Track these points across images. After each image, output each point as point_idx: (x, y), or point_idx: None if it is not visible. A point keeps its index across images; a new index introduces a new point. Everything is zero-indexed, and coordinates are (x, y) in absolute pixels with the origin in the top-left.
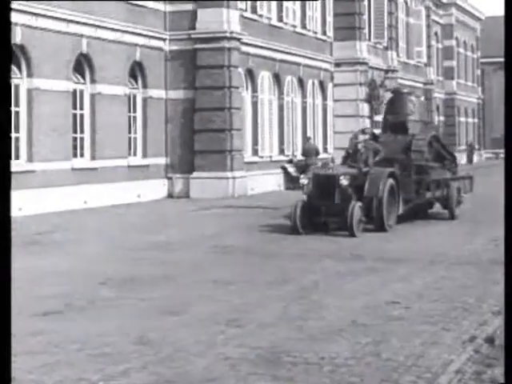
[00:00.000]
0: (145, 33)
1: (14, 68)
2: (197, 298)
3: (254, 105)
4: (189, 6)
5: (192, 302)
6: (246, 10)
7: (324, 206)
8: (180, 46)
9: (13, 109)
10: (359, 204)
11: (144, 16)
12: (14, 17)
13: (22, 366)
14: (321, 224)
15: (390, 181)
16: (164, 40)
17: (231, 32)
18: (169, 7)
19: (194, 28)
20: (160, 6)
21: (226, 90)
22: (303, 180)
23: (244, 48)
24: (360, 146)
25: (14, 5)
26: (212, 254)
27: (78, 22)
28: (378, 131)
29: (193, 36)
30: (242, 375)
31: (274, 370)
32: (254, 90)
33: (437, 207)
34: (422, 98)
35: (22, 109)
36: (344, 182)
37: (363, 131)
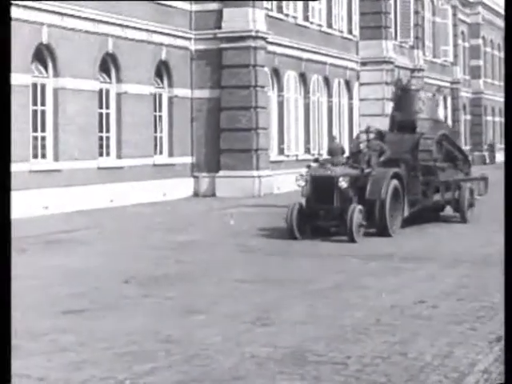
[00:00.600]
0: (171, 32)
1: (40, 68)
2: (222, 297)
3: (280, 104)
4: (215, 6)
5: (218, 301)
6: (271, 10)
7: (322, 209)
8: (206, 45)
9: (39, 108)
10: (359, 207)
11: (170, 15)
12: (41, 16)
13: (49, 365)
14: (319, 228)
15: (394, 182)
16: (190, 39)
17: (257, 31)
18: (195, 7)
19: (219, 27)
20: (186, 6)
21: (252, 90)
22: (300, 182)
23: (270, 47)
24: (362, 145)
25: (40, 5)
26: (237, 253)
27: (104, 22)
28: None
29: (218, 35)
30: (269, 374)
31: (301, 369)
32: (280, 89)
33: (448, 209)
34: (431, 95)
35: (49, 108)
36: (343, 183)
37: (367, 130)
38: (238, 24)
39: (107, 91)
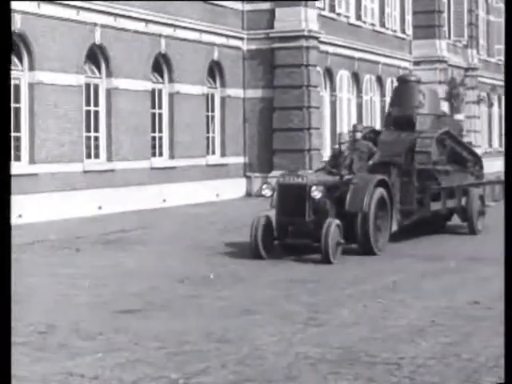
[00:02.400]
0: (223, 32)
1: (93, 68)
2: (275, 297)
3: (333, 103)
4: (267, 5)
5: (270, 301)
6: (324, 9)
7: (292, 223)
8: (258, 45)
9: (92, 108)
10: (337, 222)
11: (222, 15)
12: (93, 17)
13: (103, 364)
14: (291, 246)
15: (380, 191)
16: (242, 39)
17: (309, 31)
18: (247, 6)
19: (272, 27)
20: (238, 6)
21: (305, 89)
22: (265, 191)
23: (322, 47)
24: (344, 147)
25: (93, 5)
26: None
27: (156, 22)
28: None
29: (271, 35)
30: (322, 374)
31: (354, 369)
32: (333, 89)
33: (456, 218)
34: (433, 88)
35: (102, 108)
36: (316, 193)
37: (354, 129)
38: (291, 23)
39: (160, 91)
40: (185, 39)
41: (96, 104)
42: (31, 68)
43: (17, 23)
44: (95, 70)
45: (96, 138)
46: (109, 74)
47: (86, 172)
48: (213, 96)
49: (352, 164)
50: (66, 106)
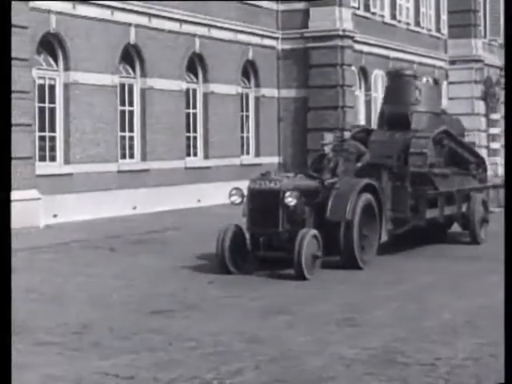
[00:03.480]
0: (257, 32)
1: (128, 68)
2: (308, 298)
3: (368, 103)
4: (301, 5)
5: (304, 302)
6: (358, 8)
7: (263, 234)
8: (292, 44)
9: (126, 108)
10: (313, 232)
11: (257, 15)
12: (128, 17)
13: (137, 364)
14: (270, 259)
15: (366, 197)
16: (276, 39)
17: (344, 30)
18: (281, 6)
19: (306, 26)
20: (273, 5)
21: (339, 89)
22: (234, 197)
23: (357, 46)
24: (327, 148)
25: (127, 5)
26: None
27: (191, 22)
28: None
29: (305, 35)
30: (357, 375)
31: (389, 370)
32: (368, 89)
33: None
34: (431, 82)
35: (136, 108)
36: (290, 200)
37: (341, 128)
38: (325, 23)
39: (194, 91)
40: (219, 39)
41: (130, 104)
42: (66, 68)
43: (52, 24)
44: (130, 70)
45: (130, 138)
46: (143, 74)
47: (120, 172)
48: (247, 96)
49: (336, 167)
50: (101, 106)
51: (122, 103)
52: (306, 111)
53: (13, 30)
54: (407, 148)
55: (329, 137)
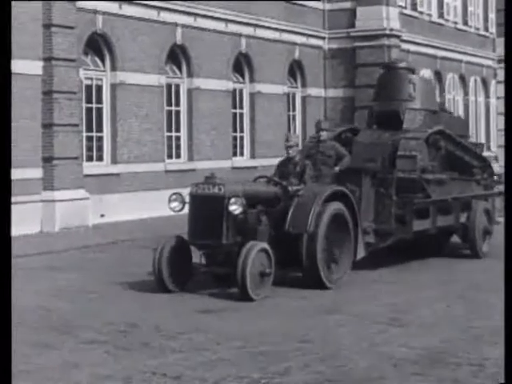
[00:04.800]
0: (304, 31)
1: (174, 68)
2: (357, 297)
3: None
4: (348, 4)
5: (352, 301)
6: (405, 7)
7: (205, 247)
8: (339, 44)
9: (173, 108)
10: (261, 246)
11: (303, 15)
12: (174, 17)
13: (185, 363)
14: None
15: (335, 206)
16: (323, 38)
17: (391, 29)
18: (328, 5)
19: (353, 26)
20: (319, 5)
21: None
22: (174, 204)
23: (404, 45)
24: (293, 151)
25: (174, 6)
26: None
27: (237, 22)
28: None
29: (352, 34)
30: (405, 375)
31: (438, 370)
32: None
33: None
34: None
35: (183, 108)
36: (236, 207)
37: (318, 127)
38: (372, 22)
39: (240, 91)
40: (265, 39)
41: (177, 104)
42: (113, 68)
43: (98, 24)
44: (176, 70)
45: (177, 138)
46: (190, 74)
47: (167, 172)
48: (294, 95)
49: (304, 171)
50: (148, 106)
51: (169, 103)
52: (352, 111)
53: (60, 30)
54: (395, 150)
55: (293, 138)
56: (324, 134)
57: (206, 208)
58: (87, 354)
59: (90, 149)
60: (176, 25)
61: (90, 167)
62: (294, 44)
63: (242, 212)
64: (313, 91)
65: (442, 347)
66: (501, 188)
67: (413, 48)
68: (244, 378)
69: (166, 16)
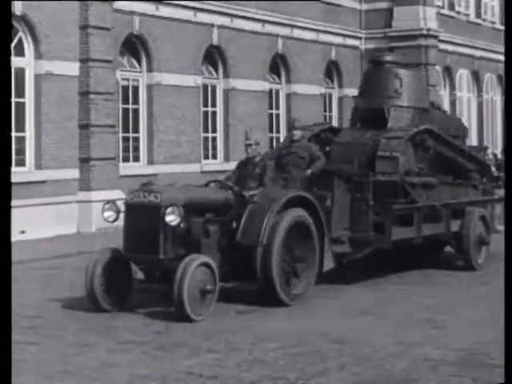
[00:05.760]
0: (340, 32)
1: (210, 69)
2: (393, 299)
3: (452, 103)
4: (384, 4)
5: (388, 302)
6: (443, 7)
7: (142, 262)
8: (376, 44)
9: (209, 109)
10: (201, 260)
11: (339, 15)
12: (211, 18)
13: (222, 363)
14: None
15: (297, 213)
16: (360, 39)
17: (428, 29)
18: (364, 6)
19: (389, 26)
20: (356, 5)
21: None
22: (107, 213)
23: (441, 45)
24: (252, 150)
25: (210, 6)
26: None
27: (273, 23)
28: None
29: (389, 34)
30: (443, 377)
31: (475, 372)
32: (452, 88)
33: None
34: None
35: (219, 109)
36: (173, 218)
37: (291, 126)
38: (409, 22)
39: (277, 92)
40: (302, 39)
41: (213, 105)
42: (149, 69)
43: (135, 25)
44: (212, 71)
45: (213, 139)
46: (226, 75)
47: (203, 172)
48: (330, 96)
49: (263, 174)
50: (184, 106)
51: (205, 104)
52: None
53: (96, 31)
54: (372, 152)
55: (252, 138)
56: (297, 133)
57: (142, 218)
58: (125, 354)
59: (126, 149)
60: (212, 25)
61: (127, 168)
62: (331, 44)
63: (180, 223)
64: (349, 92)
65: (477, 349)
66: (501, 193)
67: (450, 48)
68: (280, 378)
69: (202, 17)
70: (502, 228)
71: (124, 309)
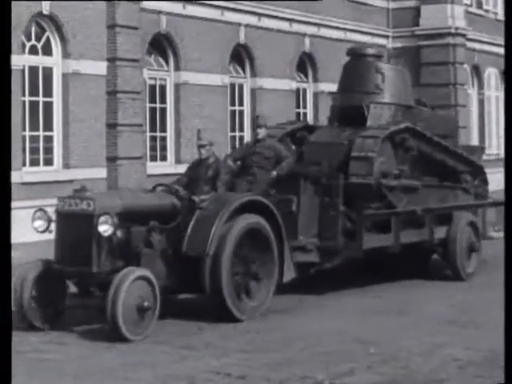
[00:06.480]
0: (368, 30)
1: (237, 68)
2: (419, 299)
3: (481, 102)
4: (412, 3)
5: (415, 303)
6: (471, 5)
7: (75, 276)
8: (403, 43)
9: (237, 108)
10: (138, 274)
11: (367, 14)
12: (238, 17)
13: (250, 363)
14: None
15: (249, 221)
16: (387, 37)
17: (456, 28)
18: (392, 4)
19: (417, 24)
20: (383, 4)
21: (452, 87)
22: (38, 222)
23: (469, 44)
24: (206, 151)
25: (237, 5)
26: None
27: (300, 22)
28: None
29: (416, 33)
30: (469, 378)
31: (501, 374)
32: (481, 87)
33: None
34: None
35: (246, 108)
36: (107, 228)
37: (256, 124)
38: (437, 21)
39: (304, 91)
40: (329, 38)
41: (240, 104)
42: (177, 68)
43: (162, 24)
44: (240, 70)
45: (241, 138)
46: (253, 74)
47: None
48: None
49: (217, 178)
50: (211, 106)
51: (232, 103)
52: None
53: (123, 30)
54: (346, 152)
55: (204, 139)
56: (261, 132)
57: (74, 228)
58: (154, 353)
59: (153, 149)
60: (239, 24)
61: (154, 167)
62: (358, 43)
63: (114, 233)
64: None
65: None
66: (496, 197)
67: (478, 47)
68: (308, 378)
69: (229, 16)
70: (496, 234)
71: (56, 327)
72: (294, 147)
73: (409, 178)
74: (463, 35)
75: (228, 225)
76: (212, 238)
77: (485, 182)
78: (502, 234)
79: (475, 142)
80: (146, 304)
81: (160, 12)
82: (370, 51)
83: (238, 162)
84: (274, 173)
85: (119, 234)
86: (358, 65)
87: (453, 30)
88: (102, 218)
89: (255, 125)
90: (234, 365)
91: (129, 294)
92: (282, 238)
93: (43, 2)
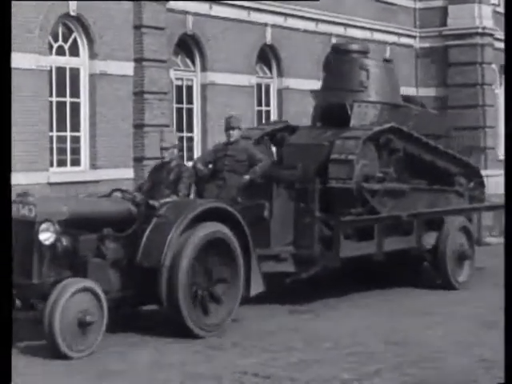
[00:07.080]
0: (395, 30)
1: (264, 68)
2: (448, 299)
3: None
4: (439, 3)
5: (444, 303)
6: (498, 5)
7: (15, 287)
8: (431, 42)
9: (263, 109)
10: (80, 285)
11: (394, 13)
12: (264, 17)
13: (276, 363)
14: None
15: (210, 229)
16: (414, 37)
17: (484, 28)
18: (419, 4)
19: (444, 24)
20: (410, 3)
21: (479, 88)
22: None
23: (497, 44)
24: (169, 154)
25: (263, 6)
26: None
27: (327, 21)
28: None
29: (444, 33)
30: (498, 379)
31: None
32: None
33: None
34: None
35: (273, 108)
36: (48, 236)
37: (228, 125)
38: (464, 21)
39: None
40: (356, 38)
41: (267, 104)
42: (203, 69)
43: (189, 25)
44: (266, 70)
45: None
46: (280, 74)
47: None
48: None
49: (179, 182)
50: (238, 106)
51: (259, 103)
52: (445, 110)
53: (150, 31)
54: (325, 154)
55: (171, 138)
56: (234, 134)
57: (14, 235)
58: (179, 353)
59: (180, 149)
60: (266, 25)
61: None
62: (385, 43)
63: (56, 241)
64: (405, 90)
65: None
66: (492, 200)
67: None
68: (334, 379)
69: (256, 16)
70: (493, 240)
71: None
72: (274, 149)
73: (395, 181)
74: (491, 35)
75: (187, 234)
76: (168, 248)
77: (481, 184)
78: (499, 240)
79: (501, 141)
80: (88, 318)
81: (186, 12)
82: (354, 47)
83: (210, 166)
84: (247, 177)
85: (65, 242)
86: (340, 61)
87: (480, 30)
88: (44, 226)
89: (227, 125)
90: (260, 364)
91: (68, 308)
92: (248, 248)
93: (70, 3)
